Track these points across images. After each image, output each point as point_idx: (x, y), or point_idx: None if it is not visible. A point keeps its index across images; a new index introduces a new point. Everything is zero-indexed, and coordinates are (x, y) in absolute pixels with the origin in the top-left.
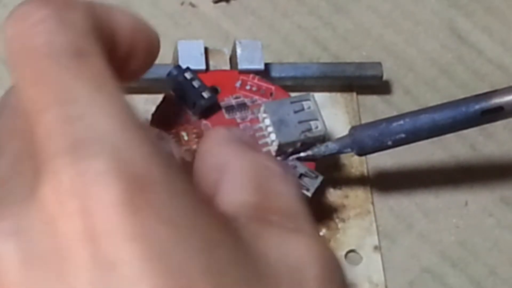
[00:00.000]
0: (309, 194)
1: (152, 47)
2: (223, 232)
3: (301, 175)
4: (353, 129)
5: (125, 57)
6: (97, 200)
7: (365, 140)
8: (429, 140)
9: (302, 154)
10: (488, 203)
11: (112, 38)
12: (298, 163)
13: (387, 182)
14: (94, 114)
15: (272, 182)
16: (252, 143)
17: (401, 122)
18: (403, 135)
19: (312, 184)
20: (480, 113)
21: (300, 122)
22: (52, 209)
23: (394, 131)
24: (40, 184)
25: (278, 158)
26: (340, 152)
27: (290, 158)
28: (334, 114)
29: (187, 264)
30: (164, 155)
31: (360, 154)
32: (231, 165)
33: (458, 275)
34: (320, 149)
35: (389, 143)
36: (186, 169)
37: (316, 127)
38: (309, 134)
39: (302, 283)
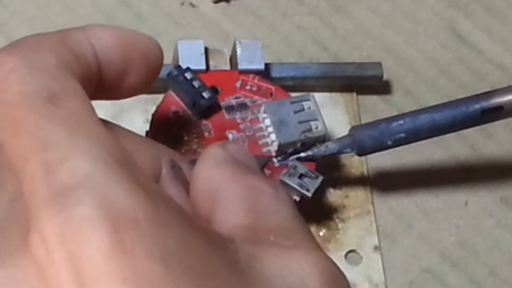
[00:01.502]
0: (309, 194)
1: (150, 55)
2: (218, 261)
3: (301, 175)
4: (353, 129)
5: (120, 73)
6: (84, 246)
7: (365, 140)
8: (429, 140)
9: (302, 154)
10: (488, 203)
11: (96, 60)
12: (298, 163)
13: (387, 182)
14: (74, 158)
15: (264, 203)
16: (246, 158)
17: (401, 122)
18: (403, 135)
19: (312, 184)
20: (480, 113)
21: (300, 122)
22: (40, 258)
23: (394, 131)
24: (29, 233)
25: (278, 158)
26: (340, 152)
27: (290, 158)
28: (334, 114)
29: None
30: (152, 187)
31: (360, 154)
32: (222, 191)
33: (458, 275)
34: (320, 149)
35: (389, 143)
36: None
37: (316, 127)
38: (309, 134)
39: None
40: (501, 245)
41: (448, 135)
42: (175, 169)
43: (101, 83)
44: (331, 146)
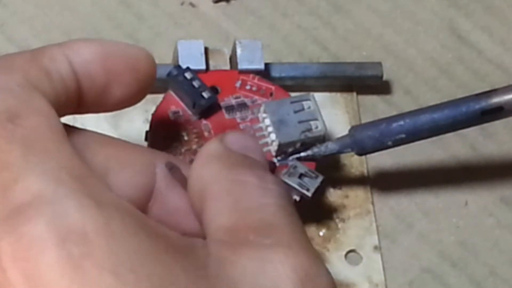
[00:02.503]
0: (309, 194)
1: (139, 66)
2: (180, 268)
3: (301, 175)
4: (353, 129)
5: (104, 85)
6: (35, 264)
7: (365, 140)
8: (429, 140)
9: (302, 154)
10: (488, 203)
11: (73, 74)
12: (298, 163)
13: (387, 182)
14: (26, 176)
15: (248, 198)
16: (245, 146)
17: (401, 122)
18: (403, 135)
19: (312, 184)
20: (480, 113)
21: (300, 122)
22: None
23: (394, 131)
24: None
25: (278, 158)
26: (340, 152)
27: (290, 158)
28: (334, 114)
29: None
30: (107, 199)
31: (360, 154)
32: (208, 191)
33: (458, 275)
34: (320, 149)
35: (389, 143)
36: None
37: (316, 127)
38: (309, 134)
39: None
40: (501, 245)
41: (448, 135)
42: (173, 170)
43: (85, 96)
44: (331, 146)
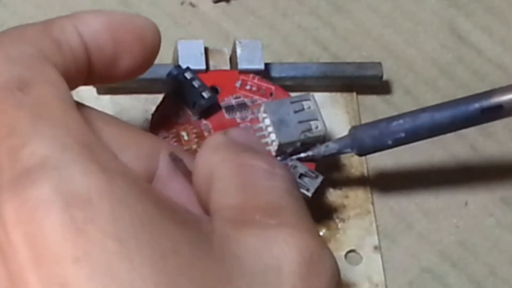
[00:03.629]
0: (309, 194)
1: (145, 36)
2: (184, 239)
3: (301, 175)
4: (353, 129)
5: (113, 56)
6: (39, 227)
7: (365, 140)
8: (429, 140)
9: (302, 155)
10: (488, 203)
11: (83, 45)
12: (298, 163)
13: (387, 182)
14: (35, 141)
15: (256, 180)
16: (249, 140)
17: (401, 121)
18: (403, 135)
19: (312, 184)
20: (480, 112)
21: (300, 122)
22: (0, 240)
23: (394, 131)
24: None
25: (278, 158)
26: (340, 152)
27: (289, 158)
28: (334, 114)
29: (136, 278)
30: (113, 166)
31: (360, 154)
32: (216, 173)
33: (458, 275)
34: (320, 149)
35: (389, 142)
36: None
37: (316, 127)
38: (309, 134)
39: (281, 278)
40: (501, 245)
41: (448, 135)
42: (176, 161)
43: (94, 67)
44: (331, 146)
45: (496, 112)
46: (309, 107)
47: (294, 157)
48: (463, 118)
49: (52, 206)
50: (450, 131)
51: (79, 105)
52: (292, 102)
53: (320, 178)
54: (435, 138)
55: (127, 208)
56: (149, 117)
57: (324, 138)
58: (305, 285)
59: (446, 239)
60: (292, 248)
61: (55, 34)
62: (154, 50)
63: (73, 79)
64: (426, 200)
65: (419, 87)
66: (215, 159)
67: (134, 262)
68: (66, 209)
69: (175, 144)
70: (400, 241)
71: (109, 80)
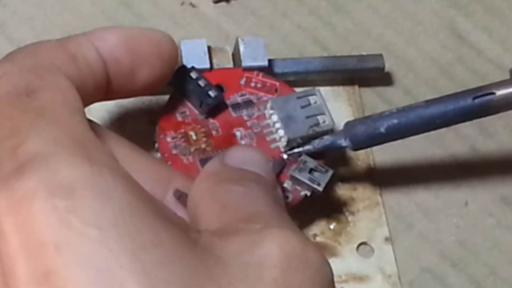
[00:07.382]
0: (320, 188)
1: (162, 48)
2: (166, 234)
3: (311, 170)
4: (347, 122)
5: (131, 68)
6: (26, 216)
7: (358, 127)
8: (429, 139)
9: (300, 149)
10: (488, 203)
11: (99, 59)
12: (308, 158)
13: (387, 182)
14: (31, 139)
15: (234, 201)
16: (246, 160)
17: (394, 110)
18: (395, 121)
19: (322, 179)
20: (472, 99)
21: (307, 117)
22: None
23: (387, 117)
24: None
25: (285, 156)
26: (334, 143)
27: (291, 152)
28: (337, 108)
29: (114, 266)
30: (105, 161)
31: (354, 145)
32: (201, 202)
33: (458, 275)
34: (314, 142)
35: (382, 130)
36: None
37: (324, 122)
38: (317, 129)
39: (262, 273)
40: (501, 245)
41: (448, 135)
42: (181, 199)
43: (113, 80)
44: (325, 138)
45: (488, 100)
46: (315, 102)
47: (295, 151)
48: (455, 106)
49: (37, 196)
50: (444, 122)
51: (97, 126)
52: (298, 98)
53: (330, 172)
54: (435, 137)
55: (109, 200)
56: (155, 118)
57: (332, 132)
58: (287, 279)
59: (446, 239)
60: (274, 246)
61: (70, 49)
62: (171, 61)
63: (92, 93)
64: (426, 200)
65: (419, 87)
66: (200, 189)
67: (113, 251)
68: (50, 198)
69: (187, 178)
70: (400, 241)
71: (129, 93)
